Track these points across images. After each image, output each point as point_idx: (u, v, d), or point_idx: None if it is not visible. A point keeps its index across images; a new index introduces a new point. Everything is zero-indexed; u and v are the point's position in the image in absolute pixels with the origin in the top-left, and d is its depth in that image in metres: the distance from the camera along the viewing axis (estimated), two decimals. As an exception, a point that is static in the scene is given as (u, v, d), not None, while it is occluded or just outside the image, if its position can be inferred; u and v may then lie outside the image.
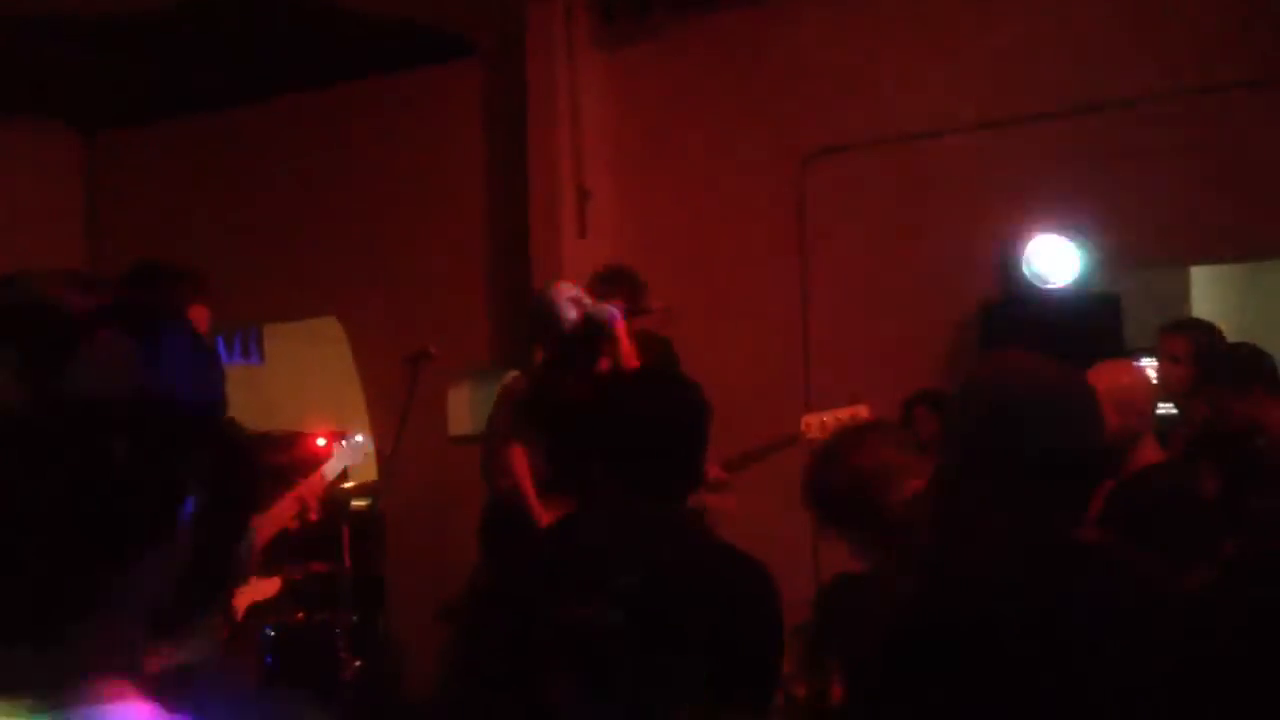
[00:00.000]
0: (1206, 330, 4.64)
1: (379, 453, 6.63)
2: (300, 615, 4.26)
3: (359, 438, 4.61)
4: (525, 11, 6.54)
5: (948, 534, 2.03)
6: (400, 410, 5.49)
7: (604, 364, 4.58)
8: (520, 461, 4.71)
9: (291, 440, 6.22)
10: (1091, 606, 1.85)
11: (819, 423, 4.50)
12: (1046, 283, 5.24)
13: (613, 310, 4.57)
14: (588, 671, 2.53)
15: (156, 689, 0.98)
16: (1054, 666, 1.79)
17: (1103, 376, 3.54)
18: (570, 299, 4.57)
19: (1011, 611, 1.84)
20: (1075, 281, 5.24)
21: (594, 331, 4.53)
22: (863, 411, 4.11)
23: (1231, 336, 4.77)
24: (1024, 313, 5.22)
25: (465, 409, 6.71)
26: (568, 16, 6.46)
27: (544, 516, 4.49)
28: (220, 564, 1.07)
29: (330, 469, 4.09)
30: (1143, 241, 5.49)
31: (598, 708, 2.59)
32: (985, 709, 1.82)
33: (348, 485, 6.16)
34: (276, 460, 6.23)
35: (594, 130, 6.56)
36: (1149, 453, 3.60)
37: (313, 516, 3.82)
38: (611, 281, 4.85)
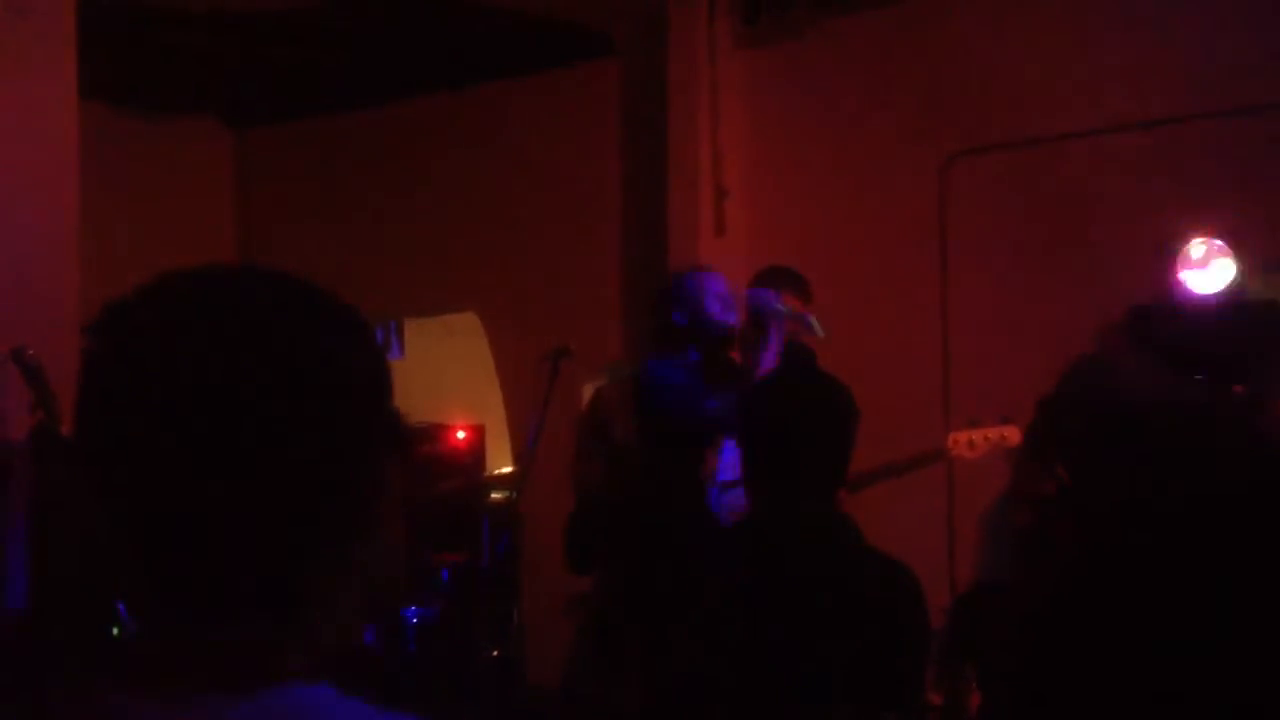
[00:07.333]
0: None
1: (515, 446, 6.71)
2: (441, 604, 4.35)
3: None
4: (667, 10, 6.56)
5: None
6: (536, 405, 5.54)
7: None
8: None
9: (431, 432, 6.35)
10: None
11: (967, 441, 4.38)
12: (1202, 288, 5.07)
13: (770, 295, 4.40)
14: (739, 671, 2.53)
15: (335, 675, 1.00)
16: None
17: None
18: (718, 295, 4.41)
19: None
20: (1232, 287, 5.06)
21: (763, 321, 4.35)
22: (1013, 435, 3.99)
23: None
24: (1178, 320, 5.05)
25: (600, 405, 6.75)
26: (710, 16, 6.46)
27: None
28: (394, 559, 1.09)
29: None
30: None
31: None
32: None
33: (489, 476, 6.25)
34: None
35: (733, 130, 6.54)
36: None
37: None
38: (782, 278, 4.70)
